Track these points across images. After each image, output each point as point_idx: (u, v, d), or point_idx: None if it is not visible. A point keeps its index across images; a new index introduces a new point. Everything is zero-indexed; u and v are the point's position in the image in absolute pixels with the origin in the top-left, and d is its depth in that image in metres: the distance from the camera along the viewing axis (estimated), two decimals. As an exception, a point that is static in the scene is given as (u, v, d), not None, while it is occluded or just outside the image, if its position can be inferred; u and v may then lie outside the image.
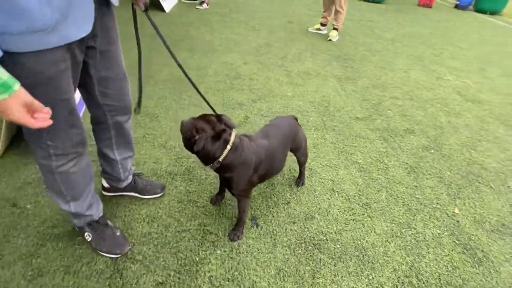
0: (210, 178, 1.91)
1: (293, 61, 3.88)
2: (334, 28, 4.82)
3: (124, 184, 1.65)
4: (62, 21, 0.87)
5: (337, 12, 4.69)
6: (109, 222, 1.46)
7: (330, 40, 4.80)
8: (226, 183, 1.49)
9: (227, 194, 1.80)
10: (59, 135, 1.09)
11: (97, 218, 1.42)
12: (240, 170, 1.37)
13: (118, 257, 1.40)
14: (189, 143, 1.31)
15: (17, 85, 0.78)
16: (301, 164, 1.90)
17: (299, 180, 1.95)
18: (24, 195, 1.66)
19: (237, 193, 1.44)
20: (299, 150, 1.79)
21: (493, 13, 9.19)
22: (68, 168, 1.20)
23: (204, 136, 1.26)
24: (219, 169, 1.35)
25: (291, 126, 1.68)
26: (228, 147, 1.30)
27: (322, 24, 5.07)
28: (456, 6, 9.66)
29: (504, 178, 2.26)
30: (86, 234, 1.42)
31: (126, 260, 1.40)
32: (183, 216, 1.65)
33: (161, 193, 1.74)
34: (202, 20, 5.04)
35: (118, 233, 1.44)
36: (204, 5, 5.69)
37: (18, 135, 2.02)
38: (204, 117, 1.33)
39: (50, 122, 0.87)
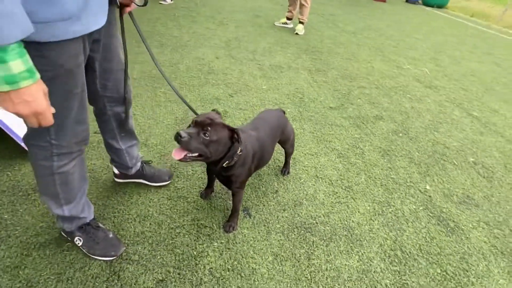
0: (198, 173, 1.91)
1: (264, 54, 3.93)
2: (300, 22, 4.94)
3: (133, 171, 1.66)
4: (84, 11, 0.87)
5: (302, 6, 4.80)
6: (100, 224, 1.41)
7: (296, 33, 4.91)
8: (225, 180, 1.47)
9: (217, 186, 1.81)
10: (66, 131, 1.07)
11: (88, 221, 1.36)
12: (244, 163, 1.39)
13: (113, 259, 1.36)
14: (225, 147, 1.25)
15: (37, 75, 0.78)
16: (288, 155, 1.96)
17: (285, 169, 2.00)
18: (0, 205, 1.54)
19: (237, 186, 1.45)
20: (287, 142, 1.84)
21: (439, 6, 9.94)
22: (68, 169, 1.16)
23: (240, 133, 1.24)
24: (231, 166, 1.34)
25: (279, 119, 1.72)
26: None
27: (288, 18, 5.17)
28: (407, 1, 10.30)
29: (464, 155, 2.50)
30: (76, 238, 1.35)
31: (122, 261, 1.37)
32: (174, 212, 1.63)
33: (169, 181, 1.76)
34: (168, 15, 4.91)
35: (111, 235, 1.39)
36: (169, 0, 5.54)
37: (-18, 142, 1.87)
38: (213, 118, 1.22)
39: (52, 121, 0.85)
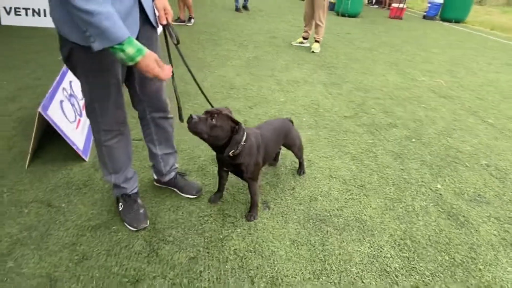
0: (222, 172, 2.13)
1: (281, 71, 4.21)
2: (316, 41, 5.23)
3: (166, 178, 1.87)
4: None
5: (317, 25, 5.10)
6: (139, 200, 1.70)
7: (313, 51, 5.19)
8: (236, 170, 1.69)
9: (239, 183, 2.02)
10: (108, 113, 1.41)
11: (130, 193, 1.67)
12: (250, 152, 1.61)
13: (134, 230, 1.62)
14: (226, 133, 1.48)
15: (145, 50, 1.15)
16: (298, 157, 2.15)
17: (300, 170, 2.19)
18: (57, 196, 1.83)
19: (248, 176, 1.66)
20: (294, 146, 2.05)
21: (457, 21, 9.99)
22: (112, 144, 1.49)
23: (242, 125, 1.51)
24: (236, 155, 1.57)
25: (283, 124, 1.96)
26: (245, 134, 1.55)
27: (304, 38, 5.48)
28: (424, 17, 10.45)
29: (477, 158, 2.58)
30: (120, 204, 1.69)
31: (159, 241, 1.59)
32: (203, 204, 1.85)
33: (196, 195, 1.88)
34: (193, 39, 5.36)
35: (141, 211, 1.67)
36: (192, 21, 6.12)
37: (41, 147, 2.20)
38: (222, 110, 1.51)
39: (170, 75, 1.25)
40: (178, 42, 1.48)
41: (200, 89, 1.67)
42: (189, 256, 1.53)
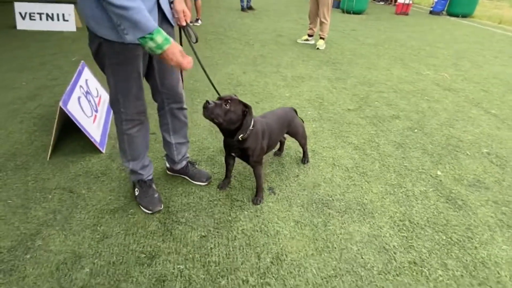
0: (230, 162, 2.25)
1: (287, 68, 4.32)
2: (321, 38, 5.31)
3: (178, 166, 2.01)
4: None
5: (322, 23, 5.19)
6: (153, 186, 1.85)
7: (318, 48, 5.28)
8: (243, 155, 1.80)
9: (246, 171, 2.13)
10: (129, 104, 1.55)
11: (145, 179, 1.81)
12: (256, 138, 1.73)
13: (149, 213, 1.76)
14: (238, 117, 1.60)
15: (171, 39, 1.29)
16: (302, 146, 2.25)
17: (304, 159, 2.29)
18: (78, 184, 1.98)
19: (254, 159, 1.78)
20: (297, 134, 2.15)
21: (464, 16, 9.92)
22: (133, 132, 1.63)
23: (251, 109, 1.63)
24: (245, 139, 1.68)
25: (286, 112, 2.06)
26: (254, 121, 1.67)
27: (309, 35, 5.57)
28: (431, 12, 10.40)
29: (479, 147, 2.64)
30: (136, 189, 1.83)
31: (173, 222, 1.72)
32: (212, 190, 1.98)
33: (206, 182, 2.01)
34: (200, 39, 5.44)
35: (156, 195, 1.81)
36: (199, 22, 6.27)
37: (61, 140, 2.36)
38: (233, 96, 1.62)
39: (191, 65, 1.37)
40: (196, 41, 1.62)
41: (212, 83, 1.79)
42: (200, 235, 1.65)
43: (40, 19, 5.32)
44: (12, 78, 3.45)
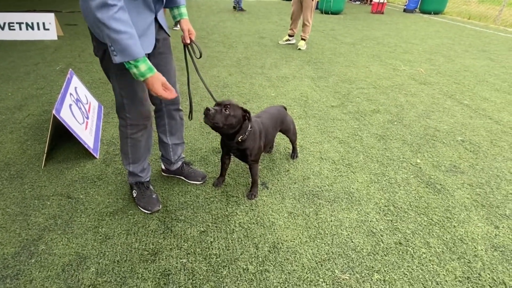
0: (222, 161, 2.34)
1: (271, 68, 4.44)
2: (302, 39, 5.47)
3: (174, 167, 2.08)
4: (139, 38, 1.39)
5: (304, 25, 5.35)
6: (151, 187, 1.92)
7: (299, 49, 5.43)
8: (241, 155, 1.89)
9: (239, 168, 2.23)
10: (134, 109, 1.61)
11: (143, 181, 1.87)
12: (254, 138, 1.82)
13: (148, 213, 1.82)
14: (238, 121, 1.68)
15: (155, 70, 1.36)
16: (293, 142, 2.37)
17: (293, 154, 2.41)
18: (75, 189, 2.02)
19: (252, 159, 1.87)
20: (289, 131, 2.26)
21: (436, 13, 10.37)
22: (137, 136, 1.69)
23: (249, 113, 1.72)
24: (243, 140, 1.76)
25: (278, 111, 2.17)
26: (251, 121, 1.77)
27: (290, 35, 5.72)
28: (405, 10, 10.81)
29: (453, 135, 2.84)
30: (133, 191, 1.89)
31: (172, 220, 1.79)
32: (208, 188, 2.06)
33: (201, 181, 2.09)
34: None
35: (154, 196, 1.88)
36: (178, 26, 6.28)
37: (53, 148, 2.38)
38: (232, 102, 1.69)
39: (175, 95, 1.44)
40: (200, 56, 1.74)
41: (208, 90, 1.88)
42: (199, 230, 1.74)
43: (20, 28, 5.23)
44: (-4, 89, 3.41)
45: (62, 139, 2.47)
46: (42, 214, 1.81)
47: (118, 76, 1.52)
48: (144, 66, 1.32)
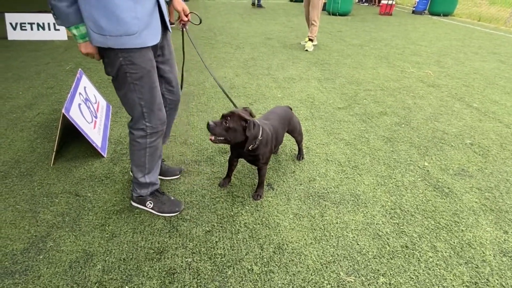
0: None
1: (277, 70, 4.44)
2: (309, 39, 5.46)
3: None
4: (143, 31, 1.40)
5: (311, 24, 5.34)
6: (164, 191, 1.90)
7: (306, 50, 5.42)
8: (252, 159, 1.88)
9: (245, 168, 2.23)
10: (154, 115, 1.60)
11: (158, 187, 1.85)
12: (266, 143, 1.82)
13: (177, 214, 1.83)
14: (240, 133, 1.67)
15: (87, 38, 1.40)
16: (298, 142, 2.37)
17: (299, 155, 2.41)
18: (83, 188, 2.04)
19: (263, 162, 1.87)
20: (295, 131, 2.26)
21: (446, 14, 10.26)
22: (156, 144, 1.69)
23: (252, 123, 1.68)
24: (256, 148, 1.76)
25: (285, 112, 2.17)
26: (261, 128, 1.75)
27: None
28: (413, 12, 10.72)
29: (462, 138, 2.80)
30: (148, 203, 1.82)
31: (178, 220, 1.80)
32: (213, 188, 2.07)
33: (179, 175, 2.15)
34: (191, 44, 5.57)
35: (172, 198, 1.88)
36: (187, 27, 6.32)
37: (62, 147, 2.42)
38: (236, 112, 1.70)
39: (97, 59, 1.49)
40: (200, 22, 1.87)
41: (222, 89, 1.88)
42: (205, 230, 1.74)
43: (31, 29, 5.32)
44: (8, 88, 3.48)
45: (71, 138, 2.50)
46: (51, 212, 1.84)
47: (136, 85, 1.49)
48: (76, 32, 1.38)
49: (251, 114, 1.80)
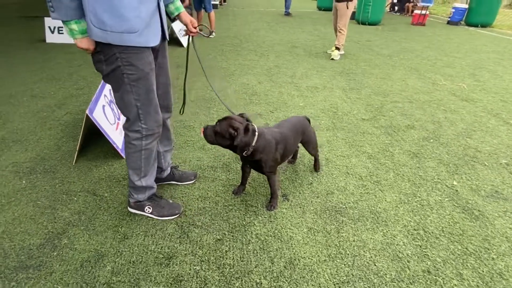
0: (245, 169, 2.31)
1: (301, 78, 4.38)
2: (336, 48, 5.36)
3: (165, 174, 2.07)
4: (145, 29, 1.42)
5: (338, 32, 5.25)
6: (161, 196, 1.90)
7: (332, 59, 5.33)
8: (256, 166, 1.85)
9: (260, 178, 2.19)
10: (150, 118, 1.59)
11: (155, 192, 1.85)
12: (267, 150, 1.76)
13: (177, 216, 1.82)
14: (227, 139, 1.67)
15: (86, 36, 1.39)
16: (313, 154, 2.27)
17: (316, 166, 2.32)
18: (100, 187, 2.08)
19: (267, 170, 1.82)
20: (309, 144, 2.16)
21: (484, 25, 9.75)
22: (151, 146, 1.68)
23: (240, 131, 1.65)
24: (252, 153, 1.72)
25: (300, 121, 2.09)
26: (256, 134, 1.71)
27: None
28: (448, 22, 10.30)
29: (497, 157, 2.60)
30: (146, 208, 1.81)
31: (189, 225, 1.78)
32: (227, 195, 2.04)
33: (194, 180, 2.15)
34: (217, 51, 5.67)
35: (171, 201, 1.88)
36: (213, 34, 6.48)
37: (85, 146, 2.49)
38: (229, 118, 1.69)
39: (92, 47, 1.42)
40: (211, 33, 1.77)
41: (216, 93, 1.87)
42: (215, 238, 1.71)
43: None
44: (41, 88, 3.67)
45: (95, 138, 2.58)
46: (69, 209, 1.89)
47: (133, 87, 1.49)
48: (76, 27, 1.36)
49: (247, 119, 1.75)
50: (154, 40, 1.49)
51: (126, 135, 1.65)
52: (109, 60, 1.44)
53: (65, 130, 2.77)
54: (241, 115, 1.77)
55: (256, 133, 1.71)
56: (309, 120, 2.19)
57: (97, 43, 1.41)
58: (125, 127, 1.64)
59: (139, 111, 1.56)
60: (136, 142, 1.63)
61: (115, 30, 1.36)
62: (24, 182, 2.11)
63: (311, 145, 2.18)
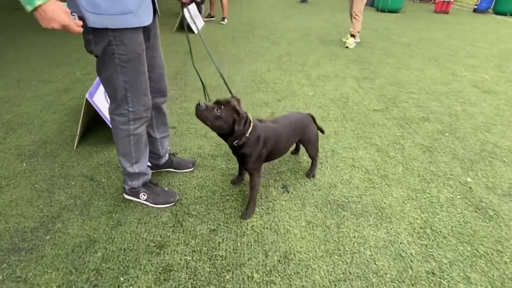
0: (246, 158, 2.24)
1: (312, 66, 4.23)
2: (351, 35, 5.14)
3: (163, 161, 2.01)
4: (139, 9, 1.35)
5: (354, 18, 5.02)
6: (157, 182, 1.85)
7: (347, 47, 5.12)
8: (241, 159, 1.72)
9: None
10: (138, 101, 1.52)
11: (149, 179, 1.80)
12: (254, 144, 1.62)
13: (172, 205, 1.78)
14: (228, 125, 1.53)
15: None
16: (312, 157, 2.05)
17: (311, 172, 2.07)
18: (99, 173, 2.06)
19: (250, 166, 1.67)
20: (309, 143, 1.98)
21: (513, 14, 9.15)
22: (140, 131, 1.61)
23: (243, 118, 1.53)
24: (242, 145, 1.59)
25: (301, 119, 1.92)
26: (252, 125, 1.59)
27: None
28: (475, 10, 9.73)
29: (518, 154, 2.42)
30: (141, 194, 1.77)
31: (184, 214, 1.74)
32: (225, 185, 1.98)
33: (193, 168, 2.09)
34: (228, 37, 5.56)
35: (166, 188, 1.83)
36: (225, 20, 6.37)
37: (88, 131, 2.48)
38: (230, 102, 1.53)
39: (81, 30, 1.22)
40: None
41: (223, 78, 1.78)
42: (210, 228, 1.66)
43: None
44: (50, 73, 3.69)
45: (97, 123, 2.56)
46: (65, 193, 1.88)
47: (123, 68, 1.42)
48: None
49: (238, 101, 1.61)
50: (147, 18, 1.42)
51: (112, 120, 1.58)
52: (99, 40, 1.37)
53: (69, 114, 2.77)
54: (236, 98, 1.65)
55: (252, 124, 1.60)
56: (313, 118, 2.01)
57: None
58: (110, 110, 1.56)
59: (127, 94, 1.49)
60: (123, 126, 1.57)
61: (110, 12, 1.28)
62: (24, 165, 2.11)
63: (310, 146, 2.00)
